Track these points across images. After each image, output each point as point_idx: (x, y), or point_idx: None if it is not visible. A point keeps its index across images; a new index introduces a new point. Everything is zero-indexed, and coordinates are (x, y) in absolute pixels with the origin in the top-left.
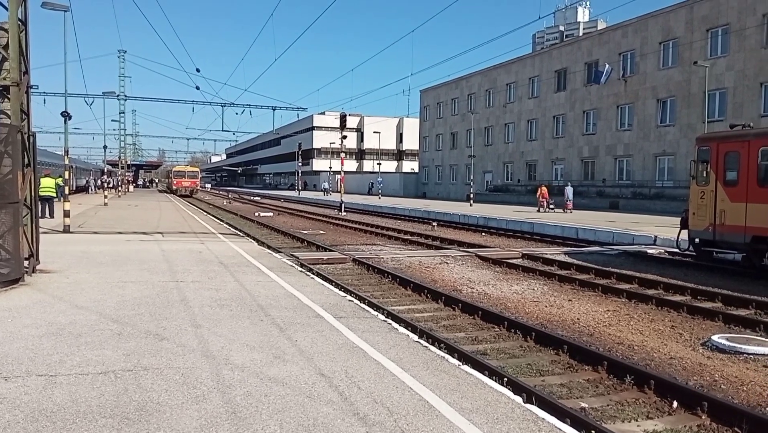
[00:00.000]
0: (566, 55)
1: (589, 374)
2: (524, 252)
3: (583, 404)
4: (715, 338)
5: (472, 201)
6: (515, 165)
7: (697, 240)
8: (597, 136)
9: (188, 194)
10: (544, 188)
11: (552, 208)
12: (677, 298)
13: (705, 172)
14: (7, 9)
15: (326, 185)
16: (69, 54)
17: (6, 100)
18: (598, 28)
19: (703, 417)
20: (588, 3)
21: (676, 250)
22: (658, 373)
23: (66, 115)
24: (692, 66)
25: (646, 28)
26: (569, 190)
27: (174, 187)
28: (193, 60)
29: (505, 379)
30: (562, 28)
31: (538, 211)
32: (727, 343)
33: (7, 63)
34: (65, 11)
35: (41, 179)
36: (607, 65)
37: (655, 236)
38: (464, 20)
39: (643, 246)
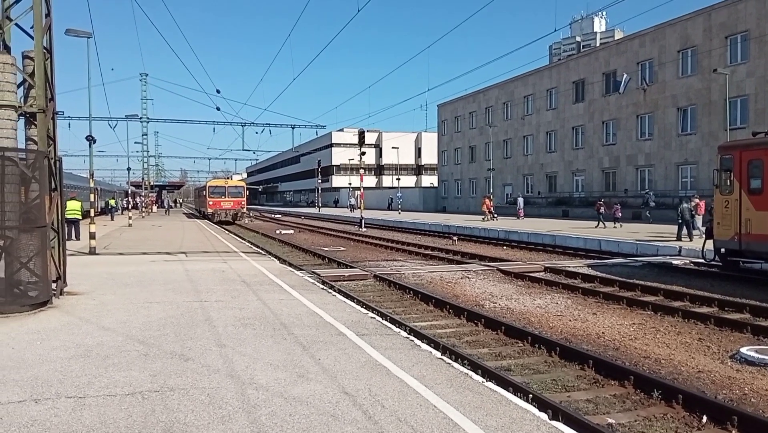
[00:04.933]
0: (584, 66)
1: (616, 389)
2: (546, 265)
3: (611, 420)
4: (743, 350)
5: (493, 214)
6: (535, 177)
7: (722, 250)
8: (617, 147)
9: (230, 220)
10: (487, 200)
11: (495, 218)
12: (704, 310)
13: (728, 180)
14: (32, 38)
15: (352, 201)
16: (92, 79)
17: (33, 126)
18: (615, 38)
19: (734, 432)
20: (604, 13)
21: (702, 260)
22: (686, 387)
23: (91, 140)
24: (712, 74)
25: (664, 36)
26: (520, 201)
27: (209, 211)
28: (214, 81)
29: (530, 395)
30: (578, 38)
31: (483, 220)
32: (756, 355)
33: (34, 90)
34: (88, 38)
35: (67, 202)
36: (626, 75)
37: (680, 247)
38: (480, 34)
39: (668, 257)
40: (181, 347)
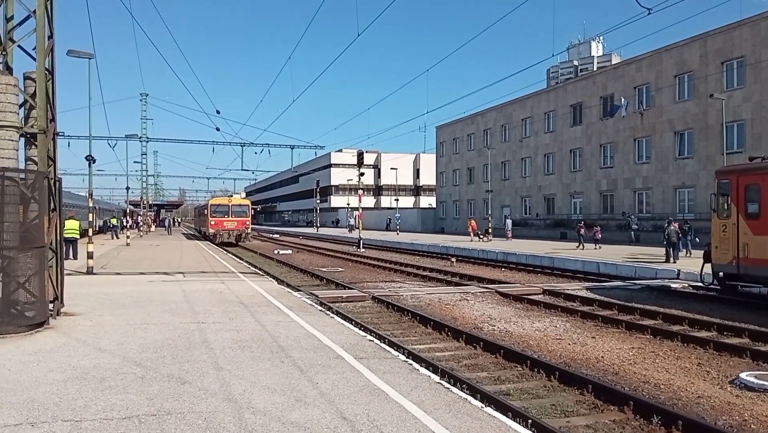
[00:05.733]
0: (581, 90)
1: (615, 415)
2: (545, 288)
3: None
4: (743, 375)
5: (490, 236)
6: (533, 199)
7: (721, 274)
8: (615, 170)
9: (233, 241)
10: (473, 221)
11: (480, 239)
12: (703, 334)
13: (726, 205)
14: (35, 59)
15: (352, 222)
16: (93, 98)
17: (33, 147)
18: (612, 63)
19: None
20: (601, 38)
21: (700, 284)
22: (685, 413)
23: (90, 159)
24: (708, 99)
25: (661, 61)
26: (509, 222)
27: (211, 231)
28: (213, 101)
29: (530, 421)
30: (576, 63)
31: (471, 240)
32: (756, 381)
33: (35, 111)
34: (90, 58)
35: (65, 221)
36: (623, 99)
37: (678, 270)
38: (478, 58)
39: (667, 280)
40: (178, 370)
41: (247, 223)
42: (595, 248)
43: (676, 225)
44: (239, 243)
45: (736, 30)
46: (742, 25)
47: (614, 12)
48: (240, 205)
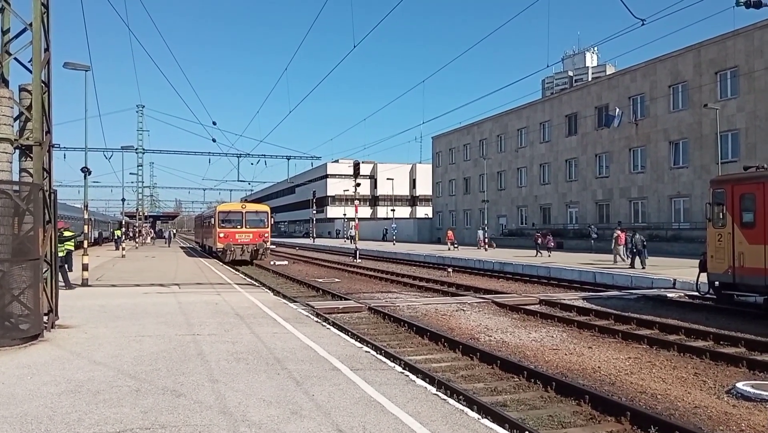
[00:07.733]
0: (576, 100)
1: (613, 426)
2: (542, 298)
3: None
4: (740, 385)
5: (487, 246)
6: (529, 209)
7: (716, 283)
8: (610, 179)
9: (248, 259)
10: (449, 232)
11: (456, 248)
12: (699, 343)
13: (721, 214)
14: (31, 72)
15: (352, 232)
16: (89, 110)
17: (28, 159)
18: (607, 73)
19: None
20: (596, 48)
21: (696, 293)
22: (683, 423)
23: (86, 171)
24: (703, 108)
25: (655, 72)
26: (480, 233)
27: (219, 246)
28: (210, 113)
29: (527, 432)
30: (571, 73)
31: (449, 249)
32: (752, 390)
33: (30, 123)
34: (86, 70)
35: None
36: (618, 109)
37: (674, 280)
38: (474, 69)
39: (663, 290)
40: (173, 383)
41: (266, 235)
42: (541, 254)
43: (623, 234)
44: (255, 261)
45: (729, 40)
46: (735, 35)
47: (608, 23)
48: (257, 212)
